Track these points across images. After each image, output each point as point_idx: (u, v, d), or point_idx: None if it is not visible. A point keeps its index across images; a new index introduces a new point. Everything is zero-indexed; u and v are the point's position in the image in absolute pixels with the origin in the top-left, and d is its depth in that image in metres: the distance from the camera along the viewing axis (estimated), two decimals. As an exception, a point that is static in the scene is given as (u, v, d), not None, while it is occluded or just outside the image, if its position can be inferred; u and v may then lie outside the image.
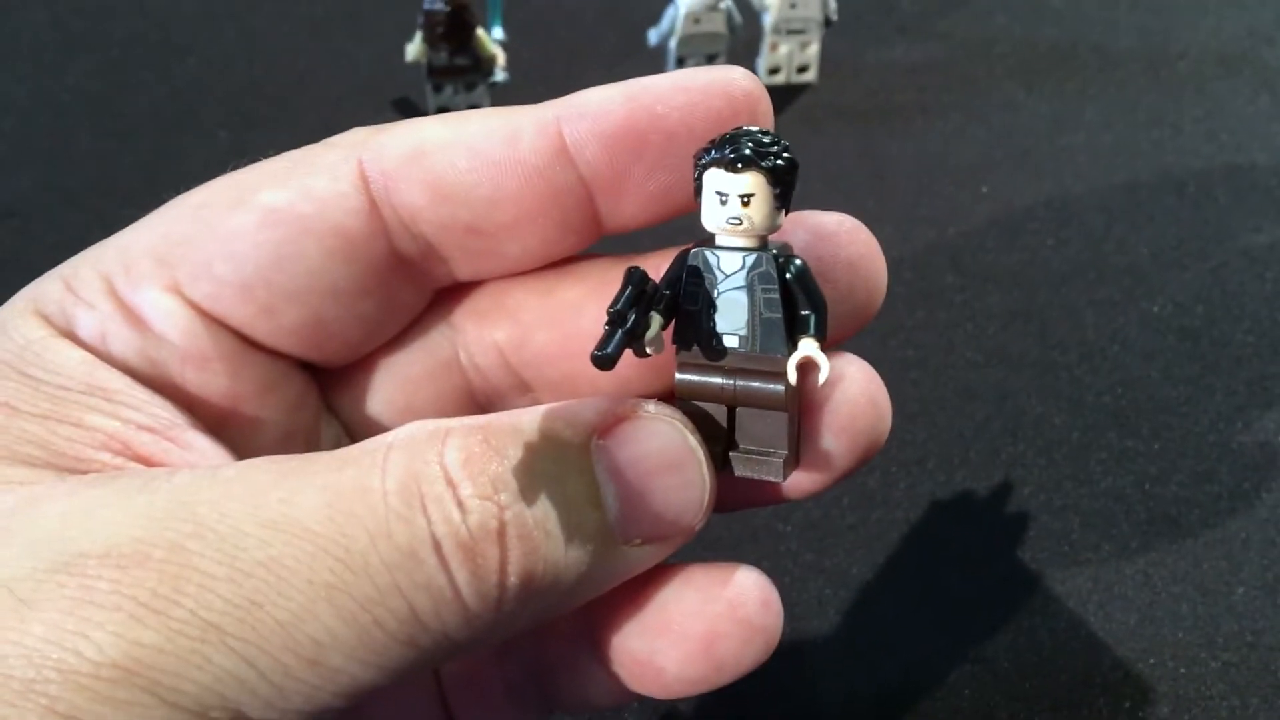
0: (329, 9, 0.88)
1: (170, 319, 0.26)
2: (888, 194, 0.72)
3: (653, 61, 0.81)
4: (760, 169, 0.25)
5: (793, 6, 0.79)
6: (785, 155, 0.25)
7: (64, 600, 0.20)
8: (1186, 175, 0.73)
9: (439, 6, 0.71)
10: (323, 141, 0.28)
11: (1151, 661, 0.45)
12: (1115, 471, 0.53)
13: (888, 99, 0.81)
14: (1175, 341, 0.60)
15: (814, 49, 0.81)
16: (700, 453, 0.26)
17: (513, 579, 0.23)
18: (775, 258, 0.26)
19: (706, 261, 0.26)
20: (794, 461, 0.27)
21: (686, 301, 0.26)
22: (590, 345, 0.24)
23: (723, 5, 0.77)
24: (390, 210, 0.27)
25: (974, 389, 0.58)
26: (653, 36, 0.80)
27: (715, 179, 0.25)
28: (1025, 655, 0.46)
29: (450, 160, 0.27)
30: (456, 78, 0.76)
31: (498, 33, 0.77)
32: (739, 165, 0.25)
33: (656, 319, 0.25)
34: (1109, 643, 0.46)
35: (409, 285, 0.29)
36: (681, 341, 0.27)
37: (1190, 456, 0.54)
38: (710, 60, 0.79)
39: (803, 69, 0.82)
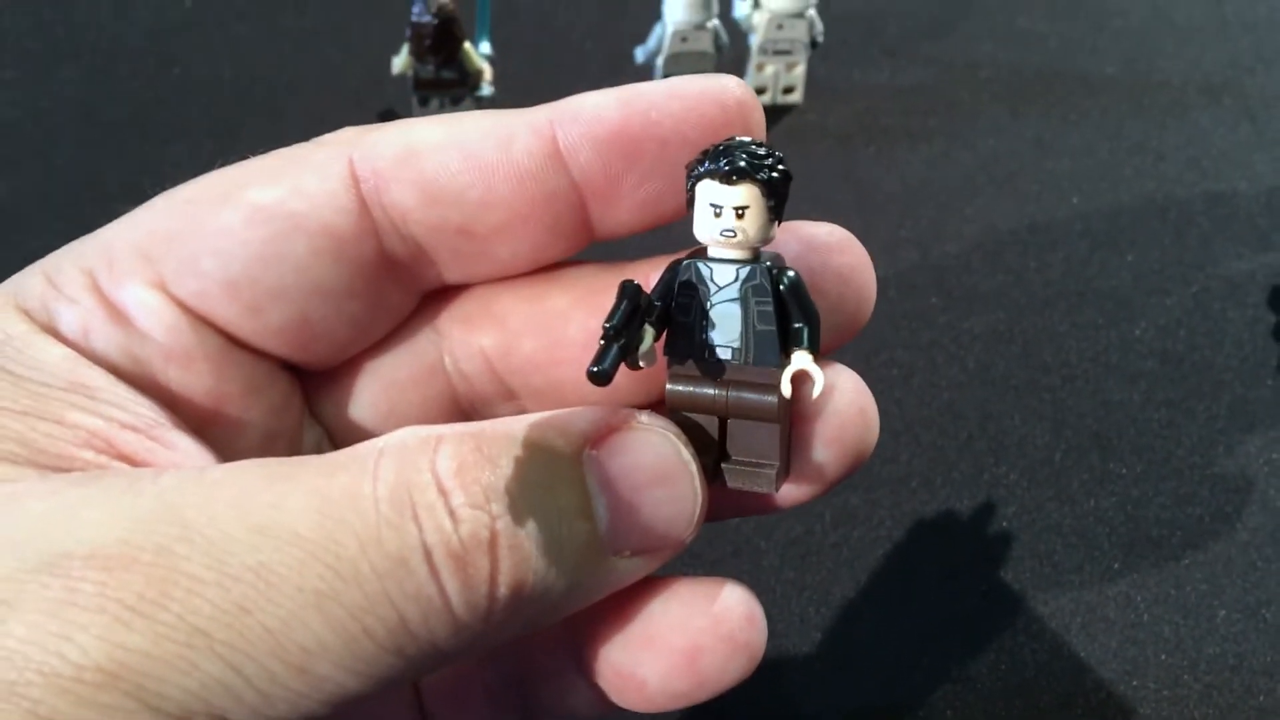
0: (316, 20, 0.88)
1: (154, 316, 0.26)
2: (872, 215, 0.72)
3: (640, 79, 0.79)
4: (755, 181, 0.25)
5: (779, 27, 0.79)
6: (780, 168, 0.25)
7: (47, 602, 0.20)
8: (1169, 201, 0.73)
9: (426, 19, 0.71)
10: (313, 140, 0.28)
11: (1134, 683, 0.45)
12: (1097, 493, 0.53)
13: (873, 121, 0.81)
14: (1157, 365, 0.60)
15: (800, 70, 0.81)
16: (693, 465, 0.26)
17: (503, 590, 0.23)
18: (769, 270, 0.25)
19: (699, 274, 0.26)
20: (785, 472, 0.27)
21: (679, 313, 0.26)
22: (577, 353, 0.24)
23: (710, 25, 0.77)
24: (380, 210, 0.27)
25: (957, 409, 0.58)
26: (640, 54, 0.80)
27: (709, 191, 0.25)
28: (1008, 676, 0.46)
29: (442, 161, 0.26)
30: (443, 91, 0.75)
31: (485, 47, 0.77)
32: (734, 178, 0.25)
33: (649, 331, 0.25)
34: (1091, 664, 0.46)
35: (397, 287, 0.29)
36: (674, 353, 0.27)
37: (1172, 479, 0.54)
38: (698, 79, 0.78)
39: (788, 90, 0.82)
